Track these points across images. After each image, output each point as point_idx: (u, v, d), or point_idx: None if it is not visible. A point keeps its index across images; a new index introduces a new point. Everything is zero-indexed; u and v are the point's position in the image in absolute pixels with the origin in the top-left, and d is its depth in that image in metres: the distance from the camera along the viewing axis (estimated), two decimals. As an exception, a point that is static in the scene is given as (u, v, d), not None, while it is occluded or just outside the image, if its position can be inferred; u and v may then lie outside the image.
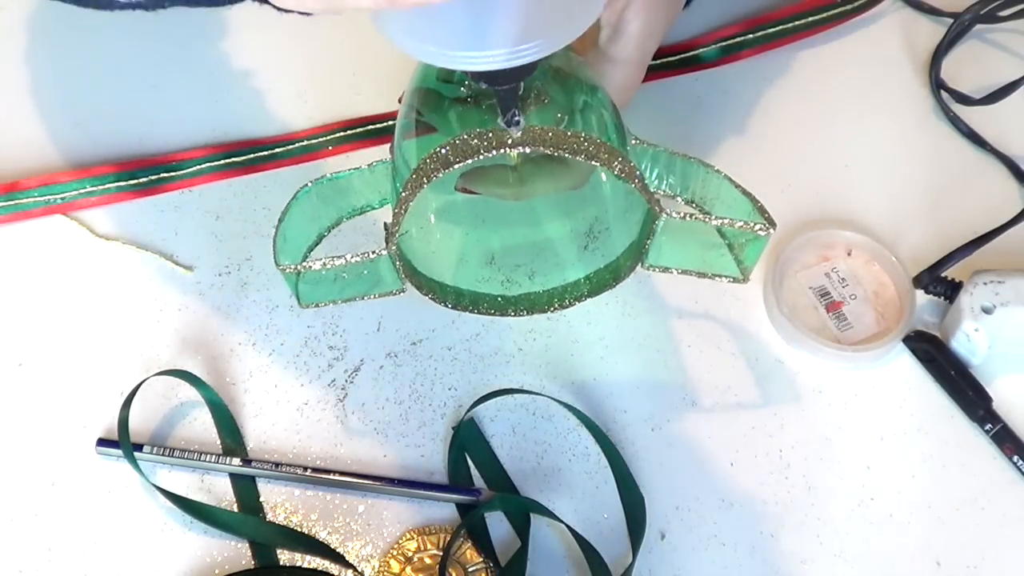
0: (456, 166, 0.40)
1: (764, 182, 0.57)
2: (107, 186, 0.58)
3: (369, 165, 0.47)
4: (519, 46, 0.36)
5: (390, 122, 0.60)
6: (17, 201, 0.57)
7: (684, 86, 0.62)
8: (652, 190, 0.48)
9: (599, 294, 0.48)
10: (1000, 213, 0.54)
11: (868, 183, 0.58)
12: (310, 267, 0.45)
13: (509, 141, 0.40)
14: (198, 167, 0.59)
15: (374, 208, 0.49)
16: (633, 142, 0.47)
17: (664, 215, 0.44)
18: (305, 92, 0.62)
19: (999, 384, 0.51)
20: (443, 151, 0.41)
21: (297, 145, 0.60)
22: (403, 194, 0.42)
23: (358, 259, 0.44)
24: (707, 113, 0.61)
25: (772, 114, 0.61)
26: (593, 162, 0.41)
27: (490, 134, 0.40)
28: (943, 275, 0.52)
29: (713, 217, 0.44)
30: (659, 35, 0.51)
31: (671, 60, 0.62)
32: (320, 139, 0.60)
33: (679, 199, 0.48)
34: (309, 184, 0.47)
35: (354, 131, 0.60)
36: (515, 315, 0.48)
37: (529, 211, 0.50)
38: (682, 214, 0.44)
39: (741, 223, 0.44)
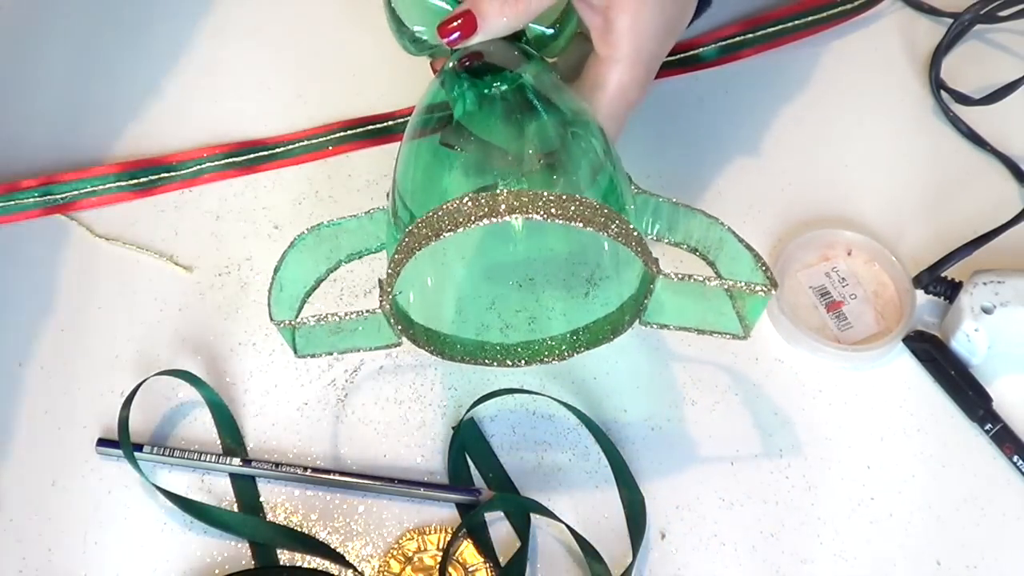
0: (447, 235, 0.39)
1: (764, 182, 0.58)
2: (107, 186, 0.58)
3: (367, 212, 0.47)
4: None
5: (390, 122, 0.60)
6: (17, 201, 0.57)
7: (684, 86, 0.62)
8: (655, 237, 0.47)
9: (597, 347, 0.46)
10: (1000, 213, 0.54)
11: (868, 183, 0.58)
12: (305, 323, 0.44)
13: (503, 208, 0.39)
14: (198, 167, 0.59)
15: (372, 252, 0.48)
16: (634, 191, 0.46)
17: (661, 277, 0.42)
18: (305, 92, 0.62)
19: (999, 384, 0.51)
20: (436, 216, 0.40)
21: (297, 145, 0.60)
22: (396, 256, 0.42)
23: (353, 316, 0.44)
24: (707, 113, 0.61)
25: (772, 114, 0.61)
26: (588, 228, 0.40)
27: (483, 199, 0.39)
28: (943, 275, 0.52)
29: (712, 279, 0.43)
30: (658, 34, 0.48)
31: (671, 60, 0.62)
32: (320, 139, 0.60)
33: (683, 247, 0.47)
34: (306, 232, 0.46)
35: (354, 131, 0.60)
36: (512, 365, 0.47)
37: (531, 254, 0.50)
38: (680, 275, 0.42)
39: (742, 284, 0.43)
